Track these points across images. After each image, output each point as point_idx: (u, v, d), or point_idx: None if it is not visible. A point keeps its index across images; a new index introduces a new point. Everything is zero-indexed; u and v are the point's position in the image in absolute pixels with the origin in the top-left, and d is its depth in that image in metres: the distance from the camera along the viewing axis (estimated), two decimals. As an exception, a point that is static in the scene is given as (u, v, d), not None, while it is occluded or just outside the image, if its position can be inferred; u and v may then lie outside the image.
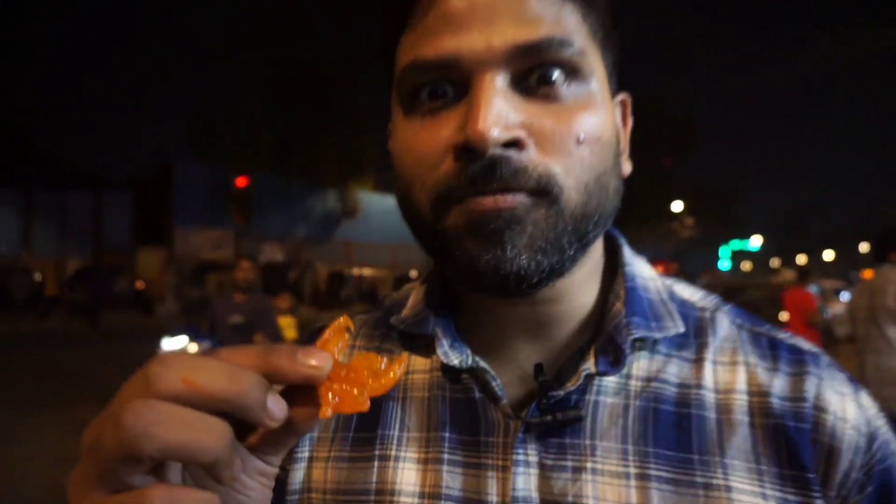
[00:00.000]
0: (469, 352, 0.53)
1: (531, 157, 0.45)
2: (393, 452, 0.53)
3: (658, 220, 30.14)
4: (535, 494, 0.49)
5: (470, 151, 0.43)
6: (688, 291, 0.59)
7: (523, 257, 0.45)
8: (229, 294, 4.95)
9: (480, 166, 0.44)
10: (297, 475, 0.56)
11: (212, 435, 0.31)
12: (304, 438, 0.57)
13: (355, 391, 0.38)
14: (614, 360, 0.50)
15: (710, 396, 0.51)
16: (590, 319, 0.54)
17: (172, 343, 4.09)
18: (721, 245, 40.00)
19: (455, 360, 0.52)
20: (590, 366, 0.50)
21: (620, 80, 0.54)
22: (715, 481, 0.48)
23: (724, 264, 40.26)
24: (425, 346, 0.56)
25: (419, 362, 0.57)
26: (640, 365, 0.52)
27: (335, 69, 19.00)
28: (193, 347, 4.03)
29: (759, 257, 61.11)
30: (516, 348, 0.54)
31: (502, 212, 0.44)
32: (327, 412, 0.37)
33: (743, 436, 0.49)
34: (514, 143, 0.44)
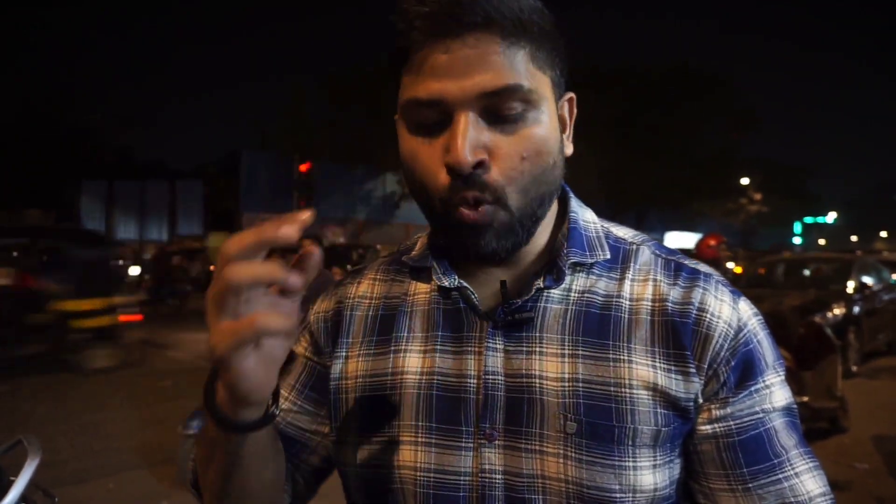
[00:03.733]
0: (457, 277, 0.74)
1: (491, 175, 0.64)
2: (403, 347, 0.75)
3: (725, 195, 29.16)
4: (500, 370, 0.69)
5: (454, 170, 0.63)
6: (622, 231, 0.78)
7: (493, 244, 0.66)
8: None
9: (462, 182, 0.63)
10: (337, 368, 0.78)
11: (270, 271, 0.49)
12: (340, 342, 0.79)
13: None
14: (556, 277, 0.70)
15: (625, 303, 0.71)
16: (543, 253, 0.74)
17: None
18: (794, 221, 38.29)
19: (446, 282, 0.73)
20: (539, 282, 0.70)
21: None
22: (622, 357, 0.68)
23: (797, 240, 38.51)
24: (427, 276, 0.77)
25: (422, 287, 0.78)
26: (578, 282, 0.72)
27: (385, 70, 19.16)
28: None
29: (836, 232, 58.04)
30: (491, 274, 0.74)
31: (478, 221, 0.65)
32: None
33: (645, 329, 0.69)
34: (481, 164, 0.63)
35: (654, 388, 0.66)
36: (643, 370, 0.67)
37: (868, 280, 8.60)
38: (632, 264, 0.73)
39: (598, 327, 0.69)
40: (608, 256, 0.73)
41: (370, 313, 0.80)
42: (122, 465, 4.61)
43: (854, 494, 4.03)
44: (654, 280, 0.72)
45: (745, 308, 0.71)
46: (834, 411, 5.16)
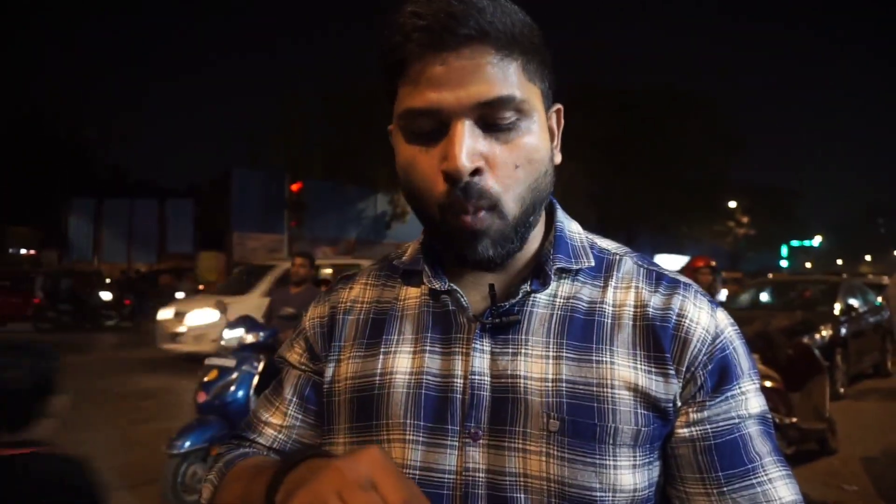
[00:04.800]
0: (447, 280, 0.75)
1: (487, 182, 0.66)
2: (393, 349, 0.76)
3: (713, 218, 29.45)
4: (487, 370, 0.70)
5: (452, 178, 0.66)
6: (605, 242, 0.81)
7: (490, 251, 0.69)
8: (286, 288, 5.34)
9: (460, 189, 0.65)
10: (329, 371, 0.79)
11: None
12: (334, 345, 0.80)
13: None
14: (542, 282, 0.73)
15: (608, 309, 0.73)
16: (531, 260, 0.76)
17: (232, 334, 4.44)
18: (781, 244, 38.67)
19: (437, 285, 0.75)
20: (526, 286, 0.72)
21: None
22: (604, 359, 0.70)
23: (783, 263, 38.83)
24: (417, 279, 0.79)
25: (412, 291, 0.79)
26: (563, 288, 0.75)
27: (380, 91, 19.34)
28: (250, 337, 4.36)
29: (822, 256, 58.62)
30: (480, 278, 0.76)
31: (475, 228, 0.67)
32: None
33: (627, 333, 0.71)
34: (477, 171, 0.65)
35: (635, 389, 0.68)
36: (625, 371, 0.69)
37: (854, 302, 8.69)
38: (615, 273, 0.76)
39: (581, 331, 0.71)
40: (592, 264, 0.76)
41: (361, 317, 0.80)
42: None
43: (843, 516, 4.02)
44: (637, 288, 0.74)
45: (723, 317, 0.74)
46: (822, 433, 5.17)
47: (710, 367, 0.70)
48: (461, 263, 0.73)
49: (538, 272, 0.73)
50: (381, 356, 0.76)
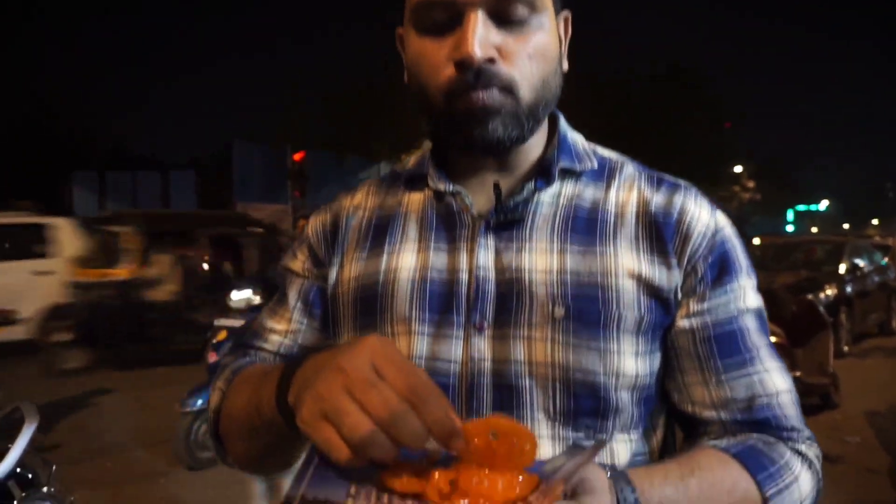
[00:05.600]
0: (451, 182, 0.76)
1: (500, 68, 0.67)
2: (397, 248, 0.77)
3: (718, 182, 29.32)
4: (491, 265, 0.72)
5: (463, 64, 0.66)
6: (608, 152, 0.82)
7: (500, 130, 0.69)
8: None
9: (472, 74, 0.66)
10: (333, 275, 0.80)
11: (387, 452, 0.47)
12: (337, 249, 0.81)
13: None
14: (546, 181, 0.74)
15: (612, 208, 0.74)
16: (536, 163, 0.77)
17: (239, 295, 4.49)
18: (787, 209, 38.49)
19: (441, 186, 0.76)
20: (531, 185, 0.73)
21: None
22: (608, 251, 0.71)
23: (789, 228, 38.70)
24: (422, 184, 0.80)
25: (416, 196, 0.80)
26: (567, 189, 0.76)
27: (381, 89, 19.34)
28: (257, 299, 4.41)
29: (828, 220, 58.31)
30: (485, 179, 0.76)
31: (486, 105, 0.67)
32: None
33: (630, 228, 0.73)
34: (491, 60, 0.66)
35: (639, 278, 0.70)
36: (628, 261, 0.71)
37: (860, 262, 8.67)
38: (617, 176, 0.78)
39: (585, 228, 0.73)
40: (595, 167, 0.78)
41: (364, 222, 0.81)
42: (118, 446, 4.63)
43: (846, 467, 4.09)
44: (639, 188, 0.76)
45: (722, 217, 0.76)
46: (826, 387, 5.23)
47: (710, 259, 0.72)
48: (467, 148, 0.72)
49: (542, 172, 0.75)
50: (384, 256, 0.77)
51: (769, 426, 0.69)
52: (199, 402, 3.91)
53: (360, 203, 0.84)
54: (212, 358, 4.15)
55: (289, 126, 20.61)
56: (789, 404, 0.71)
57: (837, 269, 8.27)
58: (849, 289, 7.95)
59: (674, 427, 0.78)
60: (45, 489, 2.13)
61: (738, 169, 30.28)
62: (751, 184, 32.58)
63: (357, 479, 0.50)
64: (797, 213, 41.59)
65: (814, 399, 5.20)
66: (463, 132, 0.70)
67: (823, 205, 47.19)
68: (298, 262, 0.84)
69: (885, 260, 9.55)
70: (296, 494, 0.48)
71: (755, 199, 33.71)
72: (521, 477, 0.47)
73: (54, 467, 2.35)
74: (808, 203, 42.65)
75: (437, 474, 0.48)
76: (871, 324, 8.90)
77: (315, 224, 0.85)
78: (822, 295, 7.28)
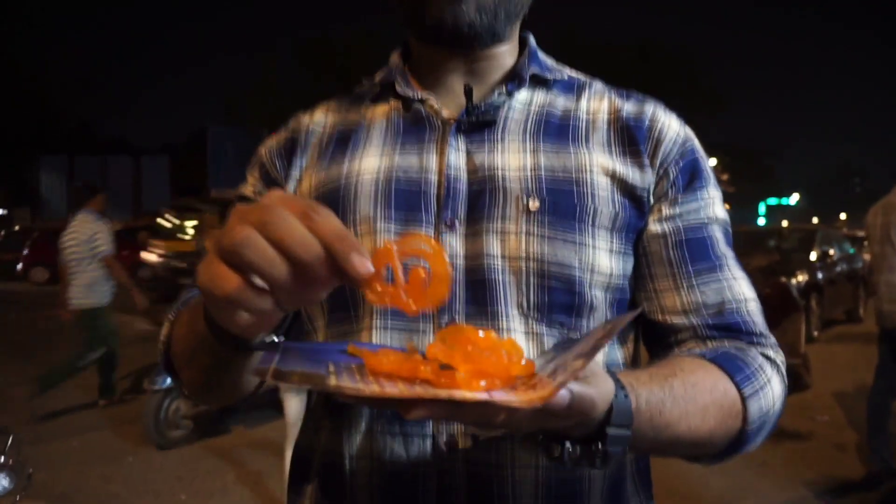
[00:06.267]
0: (420, 89, 0.74)
1: None
2: (360, 152, 0.74)
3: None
4: (462, 165, 0.70)
5: None
6: (576, 72, 0.82)
7: (472, 14, 0.68)
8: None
9: None
10: (290, 188, 0.76)
11: (276, 269, 0.39)
12: (294, 165, 0.76)
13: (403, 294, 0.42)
14: (517, 84, 0.75)
15: (583, 115, 0.75)
16: (507, 73, 0.77)
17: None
18: (759, 202, 39.22)
19: (409, 93, 0.74)
20: (502, 88, 0.74)
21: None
22: (582, 150, 0.72)
23: (761, 221, 39.46)
24: (386, 98, 0.77)
25: (382, 107, 0.77)
26: (538, 97, 0.76)
27: (358, 39, 19.11)
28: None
29: (798, 214, 59.56)
30: (455, 87, 0.75)
31: None
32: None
33: (602, 133, 0.74)
34: None
35: (613, 175, 0.71)
36: (602, 160, 0.71)
37: (830, 251, 8.83)
38: (587, 89, 0.79)
39: (557, 132, 0.73)
40: (565, 79, 0.79)
41: (325, 137, 0.78)
42: (86, 426, 4.50)
43: (816, 443, 4.15)
44: (609, 99, 0.77)
45: (690, 130, 0.77)
46: (797, 368, 5.30)
47: (681, 164, 0.73)
48: (438, 36, 0.71)
49: (514, 77, 0.75)
50: (346, 161, 0.73)
51: (739, 331, 0.69)
52: (168, 380, 3.82)
53: (319, 120, 0.80)
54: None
55: (265, 102, 20.31)
56: (756, 311, 0.71)
57: (808, 256, 8.40)
58: (819, 275, 8.09)
59: (640, 346, 0.79)
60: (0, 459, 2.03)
61: (712, 161, 30.74)
62: (725, 176, 33.07)
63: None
64: (769, 207, 42.38)
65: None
66: (434, 12, 0.67)
67: (794, 199, 48.21)
68: (249, 186, 0.80)
69: (853, 249, 9.73)
70: (266, 367, 0.42)
71: (728, 191, 34.25)
72: (523, 361, 0.43)
73: (11, 437, 2.24)
74: (780, 196, 43.49)
75: (428, 351, 0.43)
76: (840, 311, 9.09)
77: (269, 144, 0.81)
78: (793, 281, 7.39)
